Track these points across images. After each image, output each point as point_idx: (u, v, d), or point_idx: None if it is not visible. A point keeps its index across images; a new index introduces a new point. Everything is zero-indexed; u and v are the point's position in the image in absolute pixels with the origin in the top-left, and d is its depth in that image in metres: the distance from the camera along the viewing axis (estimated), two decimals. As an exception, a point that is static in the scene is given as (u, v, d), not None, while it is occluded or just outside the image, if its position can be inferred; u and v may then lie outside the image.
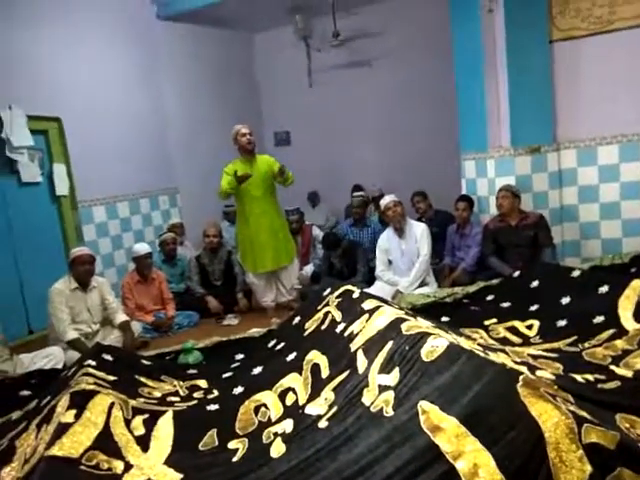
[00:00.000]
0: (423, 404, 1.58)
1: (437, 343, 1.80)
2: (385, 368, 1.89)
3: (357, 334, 2.22)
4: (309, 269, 5.30)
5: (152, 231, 5.73)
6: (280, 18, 6.56)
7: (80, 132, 4.82)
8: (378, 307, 2.31)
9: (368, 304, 2.39)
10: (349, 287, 2.73)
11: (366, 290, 4.15)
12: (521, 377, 1.47)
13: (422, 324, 2.05)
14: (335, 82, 7.01)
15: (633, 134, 4.16)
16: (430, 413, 1.52)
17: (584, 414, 1.40)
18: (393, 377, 1.82)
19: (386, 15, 6.42)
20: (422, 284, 4.31)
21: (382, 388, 1.82)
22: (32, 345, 3.96)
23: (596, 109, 4.25)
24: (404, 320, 2.08)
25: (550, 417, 1.34)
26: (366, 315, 2.30)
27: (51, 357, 3.46)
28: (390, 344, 1.97)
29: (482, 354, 1.87)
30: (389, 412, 1.68)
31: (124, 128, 5.37)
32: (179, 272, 5.00)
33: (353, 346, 2.17)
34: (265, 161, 4.43)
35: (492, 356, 2.01)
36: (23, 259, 4.41)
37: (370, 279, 4.60)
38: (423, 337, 1.87)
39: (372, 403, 1.79)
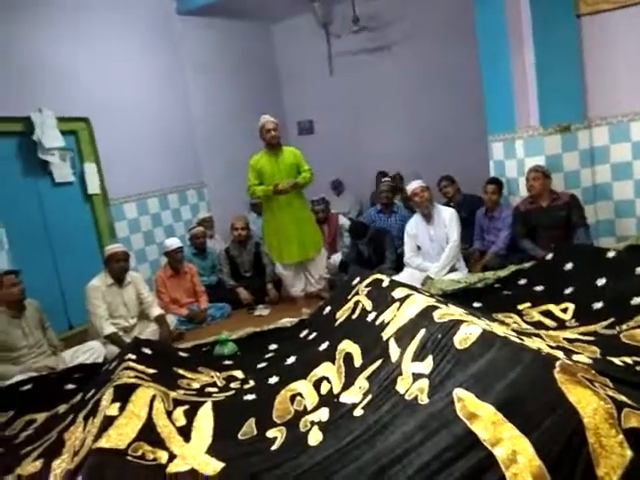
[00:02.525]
0: (458, 392, 1.59)
1: (470, 330, 1.80)
2: (418, 356, 1.91)
3: (388, 323, 2.23)
4: (337, 258, 5.31)
5: (182, 225, 5.83)
6: (299, 6, 6.52)
7: (108, 131, 4.92)
8: (409, 295, 2.31)
9: (398, 292, 2.39)
10: (378, 276, 2.74)
11: (395, 277, 4.27)
12: (557, 363, 1.46)
13: (454, 311, 2.05)
14: (356, 68, 6.94)
15: (667, 108, 4.01)
16: (466, 401, 1.53)
17: (623, 398, 1.38)
18: (427, 365, 1.83)
19: (407, -3, 6.31)
20: (452, 269, 4.27)
21: (416, 376, 1.84)
22: (73, 340, 4.10)
23: (627, 84, 4.10)
24: (436, 308, 2.08)
25: (589, 403, 1.33)
26: (397, 303, 2.31)
27: (92, 351, 3.58)
28: (422, 332, 1.98)
29: (517, 340, 1.86)
30: (424, 400, 1.70)
31: (150, 124, 5.46)
32: (210, 265, 5.09)
33: (385, 335, 2.18)
34: (290, 153, 4.43)
35: (527, 342, 1.99)
36: (60, 257, 4.55)
37: (398, 266, 4.59)
38: (456, 325, 1.87)
39: (407, 391, 1.80)
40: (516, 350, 1.60)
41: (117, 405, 1.94)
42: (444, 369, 1.75)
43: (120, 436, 1.79)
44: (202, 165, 6.14)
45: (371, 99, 7.01)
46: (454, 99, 6.14)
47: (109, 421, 1.84)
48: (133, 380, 2.14)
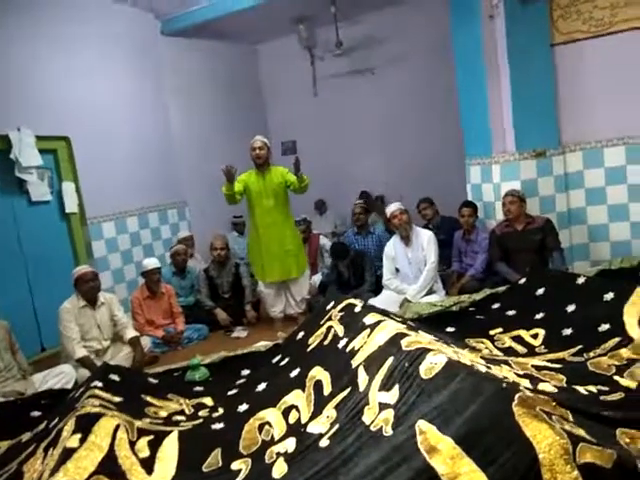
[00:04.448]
0: (421, 424, 1.58)
1: (436, 360, 1.80)
2: (385, 385, 1.89)
3: (358, 350, 2.22)
4: (317, 279, 5.32)
5: (161, 245, 5.80)
6: (283, 29, 6.62)
7: (88, 150, 4.91)
8: (379, 322, 2.31)
9: (370, 318, 2.39)
10: (351, 301, 2.73)
11: (373, 300, 4.27)
12: (517, 396, 1.46)
13: (423, 339, 2.05)
14: (340, 90, 7.04)
15: (638, 136, 4.11)
16: (427, 433, 1.52)
17: (580, 432, 1.39)
18: (393, 395, 1.82)
19: (388, 23, 6.45)
20: (430, 292, 4.29)
21: (382, 406, 1.82)
22: (44, 362, 4.03)
23: (600, 111, 4.22)
24: (405, 335, 2.08)
25: (544, 437, 1.33)
26: (367, 330, 2.30)
27: (62, 375, 3.51)
28: (390, 360, 1.97)
29: (483, 368, 1.87)
30: (388, 431, 1.68)
31: (131, 144, 5.45)
32: (189, 285, 5.05)
33: (354, 362, 2.17)
34: (279, 172, 4.42)
35: (494, 370, 2.01)
36: (34, 277, 4.48)
37: (378, 288, 4.60)
38: (422, 353, 1.87)
39: (372, 422, 1.79)
40: (478, 381, 1.60)
41: (78, 436, 1.89)
42: (409, 399, 1.74)
43: (78, 469, 1.74)
44: (183, 184, 6.13)
45: (354, 120, 7.11)
46: (434, 123, 6.26)
47: (68, 453, 1.80)
48: (97, 409, 2.10)
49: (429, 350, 1.87)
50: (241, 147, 5.61)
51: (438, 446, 1.45)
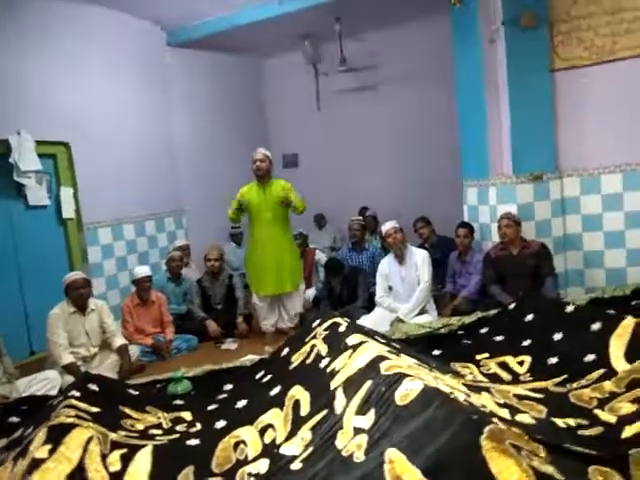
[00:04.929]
0: (391, 452, 1.55)
1: (412, 386, 1.77)
2: (362, 409, 1.87)
3: (339, 371, 2.20)
4: (311, 293, 5.31)
5: (157, 253, 5.80)
6: (289, 44, 6.67)
7: (88, 156, 4.93)
8: (362, 343, 2.29)
9: (353, 339, 2.37)
10: (337, 320, 2.71)
11: (365, 317, 4.25)
12: (487, 428, 1.44)
13: (402, 363, 2.03)
14: (343, 106, 7.09)
15: (637, 163, 4.11)
16: (396, 463, 1.50)
17: (549, 470, 1.36)
18: (368, 419, 1.80)
19: (392, 41, 6.50)
20: (422, 311, 4.27)
21: (357, 431, 1.80)
22: (32, 366, 4.00)
23: (599, 138, 4.22)
24: (385, 358, 2.06)
25: (510, 474, 1.31)
26: (349, 351, 2.28)
27: (47, 381, 3.50)
28: (368, 384, 1.95)
29: (462, 396, 1.84)
30: (360, 457, 1.66)
31: (132, 151, 5.48)
32: (183, 292, 5.03)
33: (334, 384, 2.15)
34: (280, 186, 4.42)
35: (474, 397, 1.98)
36: (28, 280, 4.48)
37: (370, 305, 4.58)
38: (400, 378, 1.85)
39: (345, 447, 1.76)
40: (450, 411, 1.58)
41: (48, 447, 1.87)
42: (383, 425, 1.72)
43: (45, 481, 1.72)
44: (182, 193, 6.16)
45: (356, 136, 7.14)
46: (436, 142, 6.28)
47: (35, 464, 1.78)
48: (71, 420, 2.08)
49: (407, 375, 1.85)
50: (243, 159, 5.64)
51: (404, 477, 1.43)
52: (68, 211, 4.81)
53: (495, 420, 1.52)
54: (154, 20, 5.73)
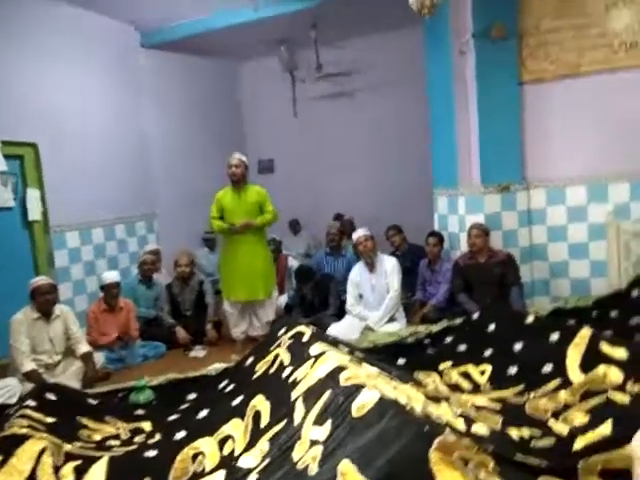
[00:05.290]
0: (344, 464, 1.55)
1: (368, 397, 1.78)
2: (319, 420, 1.87)
3: (300, 381, 2.20)
4: (283, 300, 5.29)
5: (127, 257, 5.71)
6: (265, 49, 6.68)
7: (57, 157, 4.84)
8: (324, 352, 2.29)
9: (315, 349, 2.37)
10: (301, 328, 2.71)
11: (335, 325, 4.26)
12: (437, 440, 1.46)
13: (362, 373, 2.04)
14: (319, 113, 7.13)
15: (600, 176, 4.21)
16: (347, 475, 1.50)
17: (495, 482, 1.38)
18: (324, 430, 1.80)
19: (369, 49, 6.56)
20: (391, 319, 4.30)
21: (313, 442, 1.80)
22: (-4, 373, 3.91)
23: (564, 150, 4.31)
24: (345, 369, 2.06)
25: (456, 487, 1.32)
26: (311, 360, 2.28)
27: (7, 389, 3.41)
28: (327, 394, 1.95)
29: (419, 407, 1.86)
30: (314, 470, 1.66)
31: (102, 154, 5.39)
32: (153, 296, 4.95)
33: (294, 394, 2.15)
34: (255, 192, 4.43)
35: (432, 408, 2.00)
36: (-10, 284, 4.37)
37: (341, 312, 4.59)
38: (357, 389, 1.85)
39: (300, 459, 1.76)
40: (403, 422, 1.59)
41: (-2, 459, 1.83)
42: (339, 436, 1.72)
43: (-8, 495, 1.68)
44: (154, 196, 6.09)
45: (332, 143, 7.19)
46: (410, 150, 6.36)
47: (-17, 478, 1.73)
48: (25, 430, 2.03)
49: (364, 386, 1.86)
50: (217, 163, 5.61)
51: (354, 489, 1.43)
52: (34, 213, 4.70)
53: (446, 432, 1.53)
54: (129, 21, 5.68)
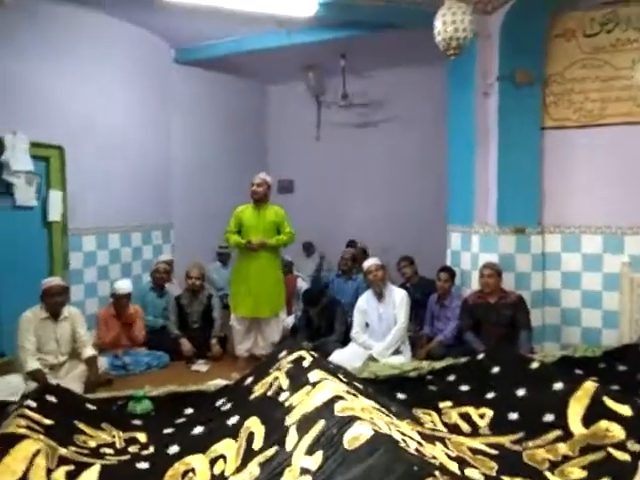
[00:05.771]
0: (332, 497, 1.55)
1: (361, 430, 1.78)
2: (311, 450, 1.87)
3: (295, 407, 2.20)
4: (290, 321, 5.29)
5: (140, 265, 5.78)
6: (294, 73, 6.82)
7: (81, 162, 4.95)
8: (322, 380, 2.29)
9: (314, 375, 2.37)
10: (302, 353, 2.71)
11: (339, 351, 4.24)
12: (426, 481, 1.45)
13: (357, 405, 2.03)
14: (341, 139, 7.23)
15: (617, 227, 4.19)
16: (334, 508, 1.50)
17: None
18: (315, 461, 1.79)
19: (394, 82, 6.68)
20: (396, 352, 4.27)
21: (303, 471, 1.79)
22: (3, 369, 3.95)
23: (582, 198, 4.31)
24: (340, 399, 2.06)
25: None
26: (309, 387, 2.28)
27: (9, 386, 3.45)
28: (321, 424, 1.95)
29: (413, 445, 1.84)
30: (301, 499, 1.65)
31: (126, 162, 5.51)
32: (163, 306, 4.99)
33: (289, 419, 2.14)
34: (274, 211, 4.51)
35: (426, 447, 1.98)
36: (5, 280, 4.43)
37: (346, 339, 4.57)
38: (350, 421, 1.85)
39: (289, 486, 1.75)
40: (393, 460, 1.58)
41: (-8, 457, 1.85)
42: (329, 468, 1.71)
43: (-17, 493, 1.70)
44: (172, 207, 6.19)
45: (352, 169, 7.27)
46: (428, 183, 6.41)
47: (-23, 474, 1.76)
48: (22, 431, 2.06)
49: (358, 419, 1.85)
50: (238, 180, 5.71)
51: (339, 523, 1.42)
52: (54, 214, 4.81)
53: (437, 473, 1.52)
54: (164, 36, 5.86)
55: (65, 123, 4.84)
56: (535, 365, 2.81)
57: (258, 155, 7.57)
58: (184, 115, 6.30)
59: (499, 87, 4.22)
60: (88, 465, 2.10)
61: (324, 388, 2.19)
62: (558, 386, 2.55)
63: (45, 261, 4.82)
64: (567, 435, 2.29)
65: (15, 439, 1.99)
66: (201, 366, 4.49)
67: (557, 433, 2.32)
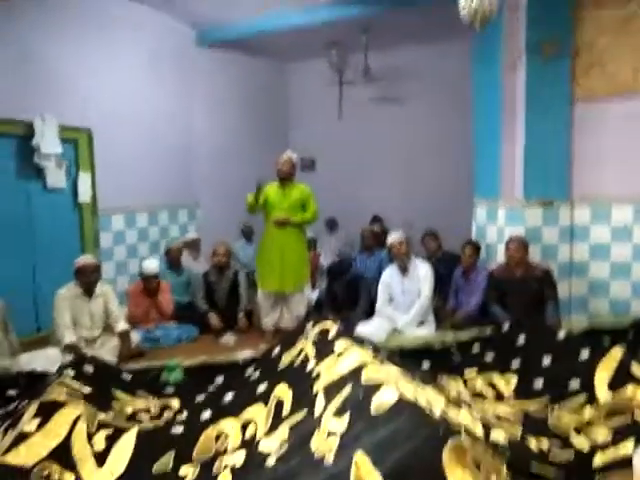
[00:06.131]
0: (359, 455, 1.60)
1: (388, 395, 1.82)
2: (338, 413, 1.92)
3: (322, 375, 2.26)
4: (314, 295, 5.36)
5: (168, 243, 5.88)
6: (316, 51, 6.74)
7: (108, 143, 5.07)
8: (347, 349, 2.34)
9: (339, 345, 2.42)
10: (328, 324, 2.76)
11: (364, 324, 4.28)
12: (450, 441, 1.48)
13: (383, 372, 2.07)
14: (363, 116, 7.17)
15: (648, 197, 4.09)
16: (361, 467, 1.55)
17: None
18: (342, 423, 1.85)
19: (417, 58, 6.58)
20: (420, 324, 4.29)
21: (330, 433, 1.85)
22: (38, 343, 4.12)
23: (613, 169, 4.20)
24: (366, 366, 2.10)
25: (465, 486, 1.35)
26: (335, 356, 2.33)
27: (48, 358, 3.61)
28: (348, 390, 2.00)
29: (438, 410, 1.88)
30: (329, 460, 1.71)
31: (152, 143, 5.61)
32: (184, 282, 5.11)
33: (316, 387, 2.20)
34: (299, 190, 4.55)
35: (452, 412, 2.02)
36: (40, 260, 4.62)
37: (371, 312, 4.61)
38: (378, 387, 1.89)
39: (318, 448, 1.82)
40: (419, 422, 1.62)
41: (37, 421, 1.96)
42: (356, 430, 1.76)
43: (30, 453, 1.81)
44: (198, 186, 6.28)
45: (374, 146, 7.21)
46: (452, 158, 6.33)
47: (24, 437, 1.87)
48: (63, 397, 2.17)
49: (384, 384, 1.90)
50: (261, 159, 5.75)
51: (366, 479, 1.48)
52: (84, 196, 4.94)
53: (462, 435, 1.56)
54: (186, 20, 5.87)
55: (93, 107, 4.95)
56: (562, 335, 2.80)
57: (280, 134, 7.58)
58: (207, 97, 6.34)
59: (526, 60, 4.11)
60: (126, 429, 2.21)
61: (350, 356, 2.24)
62: (585, 354, 2.55)
63: (77, 240, 4.98)
64: (593, 400, 2.29)
65: (57, 405, 2.10)
66: (229, 339, 4.61)
67: (583, 398, 2.33)
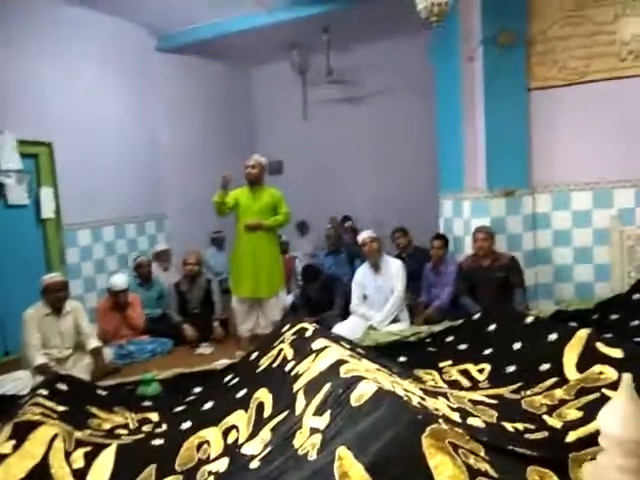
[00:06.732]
0: (341, 450, 1.62)
1: (366, 388, 1.85)
2: (318, 411, 1.94)
3: (302, 374, 2.27)
4: (289, 299, 5.36)
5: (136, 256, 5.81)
6: (277, 53, 6.79)
7: (70, 157, 4.97)
8: (325, 347, 2.36)
9: (317, 344, 2.44)
10: (304, 325, 2.78)
11: (340, 325, 4.32)
12: (429, 427, 1.52)
13: (361, 367, 2.11)
14: (329, 116, 7.23)
15: (606, 182, 4.25)
16: (344, 459, 1.57)
17: (484, 467, 1.45)
18: (324, 420, 1.87)
19: (379, 55, 6.66)
20: (395, 320, 4.35)
21: (312, 431, 1.87)
22: (6, 367, 4.00)
23: (570, 156, 4.36)
24: (345, 362, 2.13)
25: (445, 469, 1.39)
26: (313, 355, 2.35)
27: (19, 381, 3.51)
28: (327, 386, 2.02)
29: (415, 399, 1.92)
30: (313, 456, 1.73)
31: (115, 154, 5.52)
32: (155, 296, 5.05)
33: (296, 386, 2.22)
34: (270, 193, 4.53)
35: (429, 401, 2.06)
36: (4, 279, 4.48)
37: (347, 312, 4.65)
38: (356, 381, 1.92)
39: (301, 446, 1.83)
40: (398, 411, 1.65)
41: (12, 443, 1.91)
42: (337, 425, 1.79)
43: (7, 475, 1.76)
44: (164, 197, 6.21)
45: (340, 146, 7.27)
46: (417, 154, 6.43)
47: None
48: (37, 417, 2.12)
49: (363, 378, 1.93)
50: (228, 164, 5.69)
51: (350, 472, 1.50)
52: (48, 211, 4.83)
53: (440, 421, 1.60)
54: (144, 25, 5.80)
55: (52, 119, 4.84)
56: (530, 320, 2.90)
57: (246, 138, 7.56)
58: (170, 104, 6.28)
59: (483, 50, 4.24)
60: (105, 445, 2.17)
61: (328, 354, 2.26)
62: (553, 337, 2.64)
63: (42, 258, 4.87)
64: (563, 381, 2.38)
65: (32, 425, 2.05)
66: (205, 349, 4.57)
67: (553, 380, 2.41)
